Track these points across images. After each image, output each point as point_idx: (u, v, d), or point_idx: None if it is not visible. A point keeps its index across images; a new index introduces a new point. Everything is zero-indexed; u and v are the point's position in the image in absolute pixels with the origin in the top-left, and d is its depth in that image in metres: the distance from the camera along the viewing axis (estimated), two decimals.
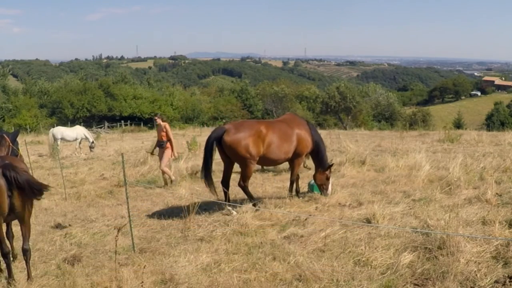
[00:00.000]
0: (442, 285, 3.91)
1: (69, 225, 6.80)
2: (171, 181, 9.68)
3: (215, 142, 6.75)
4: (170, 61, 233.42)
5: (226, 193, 6.95)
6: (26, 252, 4.61)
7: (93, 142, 18.50)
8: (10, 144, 5.82)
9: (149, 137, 26.29)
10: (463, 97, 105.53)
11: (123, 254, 5.31)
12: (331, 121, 50.70)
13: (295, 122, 7.40)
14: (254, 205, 6.89)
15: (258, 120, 8.29)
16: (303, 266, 4.48)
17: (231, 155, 6.78)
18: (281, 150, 6.98)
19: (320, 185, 7.51)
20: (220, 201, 7.02)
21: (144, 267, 4.64)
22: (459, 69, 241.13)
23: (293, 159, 7.33)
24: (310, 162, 9.56)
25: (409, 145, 13.94)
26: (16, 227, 5.17)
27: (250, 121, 7.67)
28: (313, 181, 7.85)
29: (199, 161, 11.43)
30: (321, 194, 7.49)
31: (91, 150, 18.21)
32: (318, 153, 7.45)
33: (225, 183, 7.02)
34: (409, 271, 4.25)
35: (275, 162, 7.35)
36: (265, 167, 10.43)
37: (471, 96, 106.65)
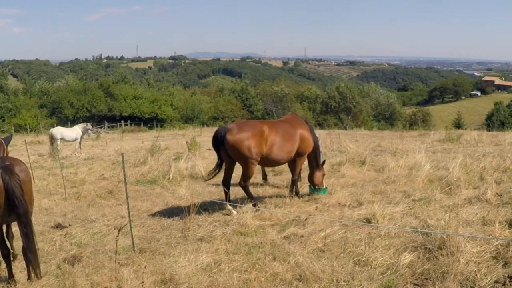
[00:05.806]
0: (442, 285, 3.91)
1: (69, 225, 6.79)
2: None
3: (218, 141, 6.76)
4: (170, 61, 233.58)
5: (226, 193, 6.95)
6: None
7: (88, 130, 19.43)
8: (5, 148, 5.89)
9: (149, 137, 26.30)
10: (463, 97, 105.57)
11: (123, 254, 5.30)
12: (331, 121, 50.76)
13: (297, 122, 7.45)
14: (254, 205, 6.89)
15: (261, 120, 8.33)
16: (303, 266, 4.48)
17: (233, 155, 6.77)
18: (284, 150, 6.99)
19: (318, 184, 7.55)
20: (220, 201, 7.03)
21: (144, 267, 4.65)
22: (459, 69, 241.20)
23: (295, 159, 7.35)
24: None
25: (409, 145, 13.93)
26: (16, 227, 5.16)
27: (253, 121, 7.66)
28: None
29: (199, 161, 11.47)
30: (318, 193, 7.50)
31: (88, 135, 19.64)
32: (315, 152, 7.51)
33: (226, 183, 7.03)
34: (409, 271, 4.25)
35: (277, 163, 7.34)
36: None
37: (471, 96, 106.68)
